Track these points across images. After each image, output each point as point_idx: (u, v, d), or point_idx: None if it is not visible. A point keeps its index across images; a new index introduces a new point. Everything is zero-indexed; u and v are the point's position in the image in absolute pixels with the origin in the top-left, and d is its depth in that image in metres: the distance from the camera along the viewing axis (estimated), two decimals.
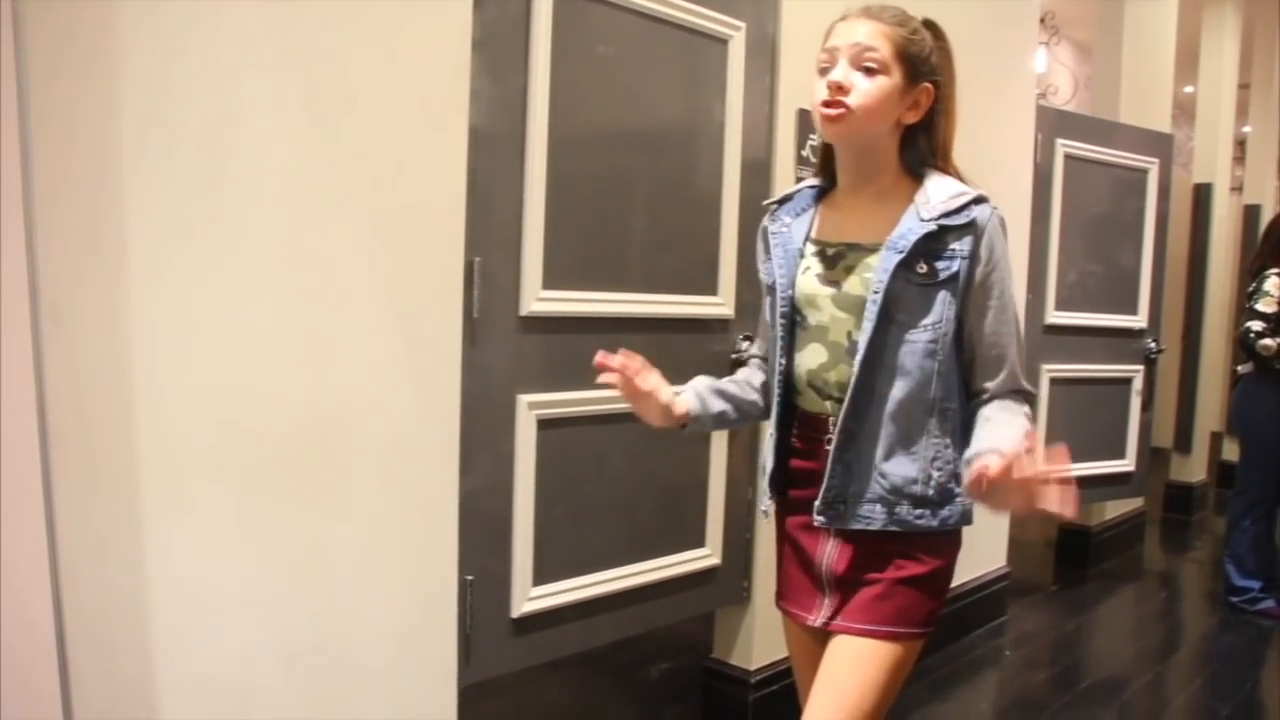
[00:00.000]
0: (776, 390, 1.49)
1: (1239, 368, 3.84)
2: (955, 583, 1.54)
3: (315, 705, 1.66)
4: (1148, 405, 4.23)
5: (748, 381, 1.60)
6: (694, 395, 1.53)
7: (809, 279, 1.45)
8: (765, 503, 1.54)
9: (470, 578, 1.92)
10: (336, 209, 1.62)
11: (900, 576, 1.41)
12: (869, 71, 1.35)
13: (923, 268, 1.36)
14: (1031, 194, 3.62)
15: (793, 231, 1.50)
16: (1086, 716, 2.84)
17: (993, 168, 3.09)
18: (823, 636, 1.46)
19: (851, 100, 1.34)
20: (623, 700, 2.88)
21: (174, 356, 1.45)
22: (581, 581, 2.14)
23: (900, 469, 1.39)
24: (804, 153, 2.50)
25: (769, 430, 1.52)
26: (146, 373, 1.42)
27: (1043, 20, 3.80)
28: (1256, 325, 3.58)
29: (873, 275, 1.37)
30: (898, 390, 1.38)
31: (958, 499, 1.42)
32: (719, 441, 2.41)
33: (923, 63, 1.39)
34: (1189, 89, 6.21)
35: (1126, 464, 4.16)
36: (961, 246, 1.37)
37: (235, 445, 1.53)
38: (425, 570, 1.82)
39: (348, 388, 1.67)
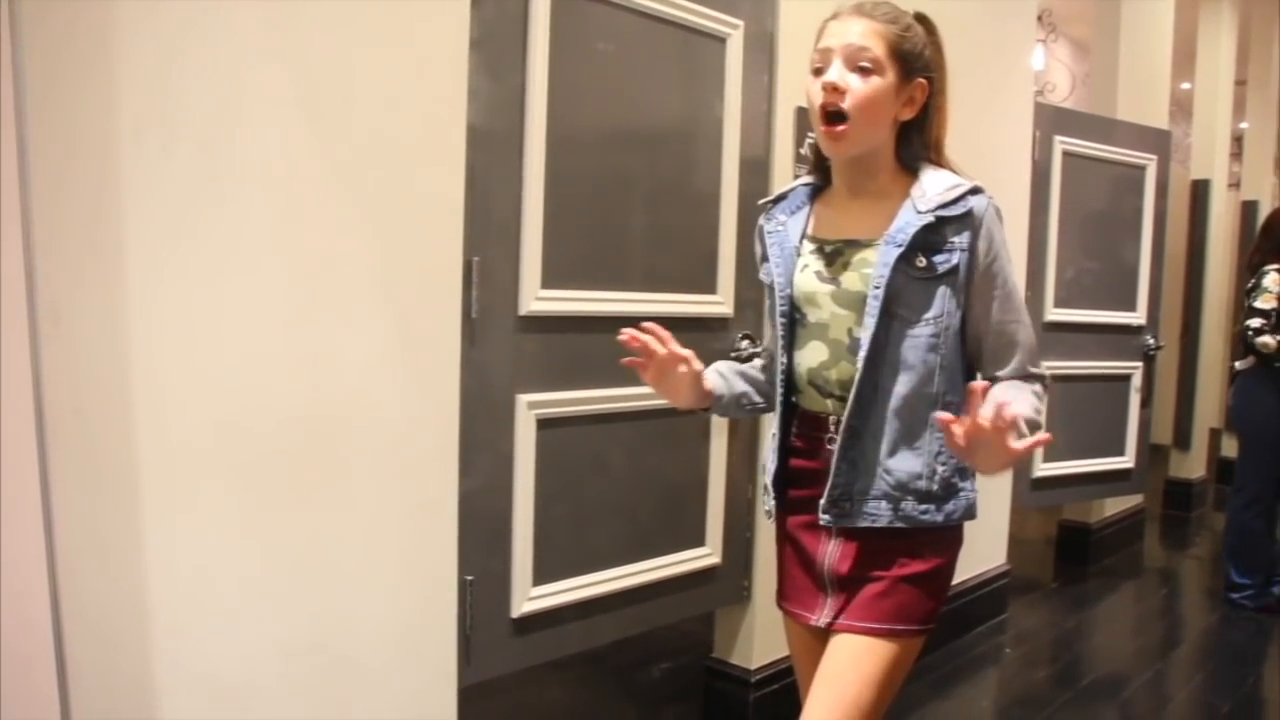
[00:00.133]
0: (778, 389, 1.49)
1: (1236, 364, 3.84)
2: (956, 580, 1.54)
3: (315, 705, 1.65)
4: (1147, 402, 4.24)
5: (765, 369, 1.62)
6: (717, 375, 1.55)
7: (807, 276, 1.45)
8: (768, 503, 1.54)
9: (470, 578, 1.92)
10: (335, 208, 1.62)
11: (902, 574, 1.40)
12: (864, 72, 1.35)
13: (921, 261, 1.36)
14: (1030, 191, 3.62)
15: (789, 230, 1.49)
16: (1087, 714, 2.84)
17: (991, 165, 3.09)
18: (824, 636, 1.46)
19: (848, 103, 1.34)
20: (623, 700, 2.88)
21: (173, 356, 1.45)
22: (581, 581, 2.13)
23: (905, 464, 1.39)
24: (802, 151, 2.49)
25: (769, 430, 1.51)
26: (145, 372, 1.42)
27: (1040, 18, 3.80)
28: (1256, 322, 3.58)
29: (872, 271, 1.37)
30: (901, 385, 1.38)
31: (962, 493, 1.42)
32: (719, 440, 2.41)
33: (916, 59, 1.38)
34: (1186, 86, 6.22)
35: (1126, 461, 4.16)
36: (959, 239, 1.37)
37: (234, 445, 1.53)
38: (425, 570, 1.82)
39: (347, 388, 1.66)
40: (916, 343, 1.37)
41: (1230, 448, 5.76)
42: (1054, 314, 3.80)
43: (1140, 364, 4.14)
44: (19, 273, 1.28)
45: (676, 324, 2.29)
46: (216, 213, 1.48)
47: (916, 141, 1.43)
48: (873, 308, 1.36)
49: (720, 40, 2.29)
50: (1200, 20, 5.61)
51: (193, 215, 1.45)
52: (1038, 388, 1.42)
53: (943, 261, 1.37)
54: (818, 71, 1.38)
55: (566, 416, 2.07)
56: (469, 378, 1.87)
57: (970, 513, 1.44)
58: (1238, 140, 6.61)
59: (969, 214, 1.37)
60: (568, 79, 1.98)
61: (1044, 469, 3.86)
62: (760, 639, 2.55)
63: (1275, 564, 3.85)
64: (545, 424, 2.03)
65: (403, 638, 1.79)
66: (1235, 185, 6.68)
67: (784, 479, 1.51)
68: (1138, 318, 4.11)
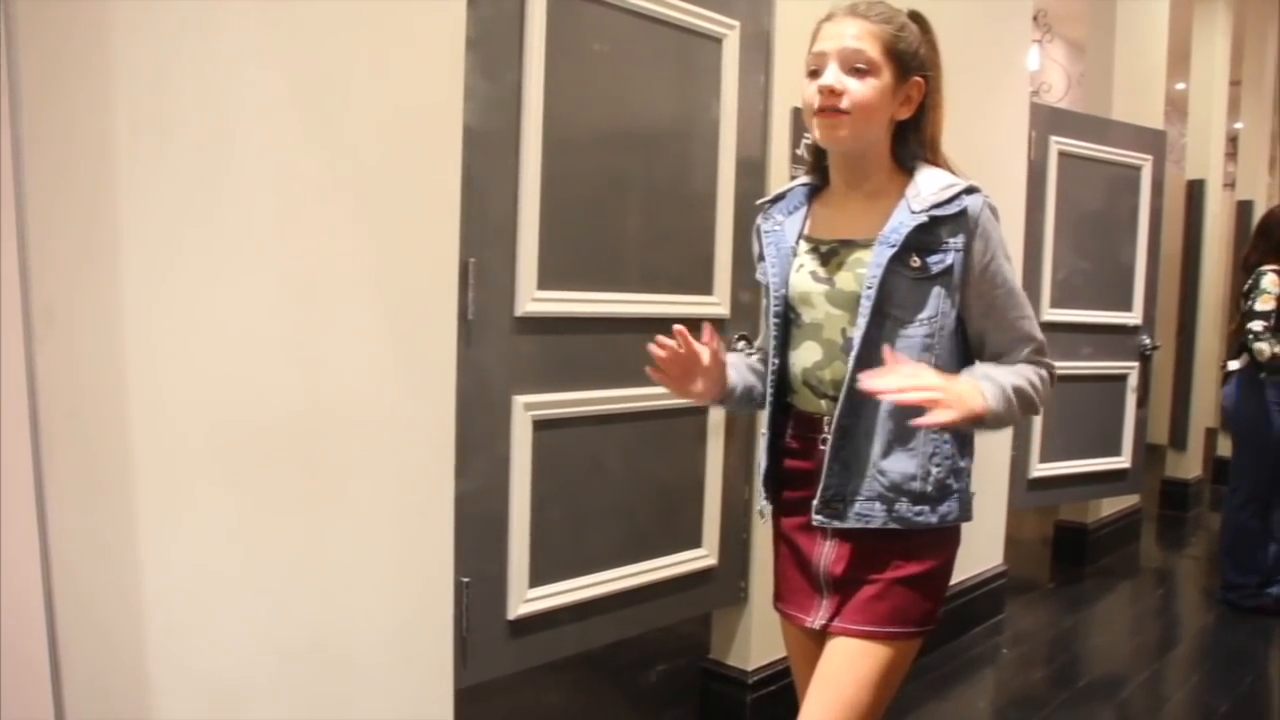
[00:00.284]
0: (770, 390, 1.49)
1: (1229, 363, 3.83)
2: (953, 581, 1.54)
3: (310, 706, 1.65)
4: (1143, 402, 4.24)
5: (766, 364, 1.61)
6: (730, 367, 1.54)
7: (802, 276, 1.45)
8: (762, 503, 1.54)
9: (466, 579, 1.92)
10: (330, 209, 1.62)
11: (898, 576, 1.40)
12: (860, 73, 1.35)
13: (915, 261, 1.36)
14: (1025, 191, 3.62)
15: (785, 230, 1.49)
16: (1084, 714, 2.84)
17: (987, 165, 3.08)
18: (821, 638, 1.46)
19: (845, 105, 1.34)
20: (620, 701, 2.88)
21: (168, 357, 1.44)
22: (578, 583, 2.13)
23: (899, 466, 1.39)
24: (799, 151, 2.49)
25: (762, 430, 1.51)
26: (140, 373, 1.41)
27: (1035, 18, 3.79)
28: (1258, 325, 3.57)
29: (866, 270, 1.37)
30: None
31: (956, 494, 1.42)
32: (715, 442, 2.41)
33: (912, 58, 1.39)
34: (1181, 86, 6.22)
35: (1122, 461, 4.16)
36: (955, 240, 1.37)
37: (230, 446, 1.52)
38: (421, 572, 1.82)
39: (343, 389, 1.66)
40: (910, 343, 1.37)
41: (1226, 447, 5.76)
42: (1050, 314, 3.79)
43: (1136, 364, 4.14)
44: (14, 273, 1.28)
45: (673, 325, 2.30)
46: (212, 214, 1.47)
47: (913, 140, 1.43)
48: (865, 307, 1.36)
49: (716, 40, 2.29)
50: (1195, 20, 5.62)
51: (188, 216, 1.45)
52: (1043, 372, 1.43)
53: (937, 262, 1.36)
54: (813, 74, 1.38)
55: (563, 418, 2.07)
56: (465, 379, 1.86)
57: (966, 514, 1.44)
58: (1233, 140, 6.63)
59: (963, 214, 1.36)
60: (564, 79, 1.98)
61: (1040, 469, 3.86)
62: (757, 640, 2.55)
63: (1274, 565, 3.84)
64: (541, 425, 2.03)
65: (398, 639, 1.78)
66: (1230, 185, 6.69)
67: (779, 480, 1.51)
68: (1133, 318, 4.11)
